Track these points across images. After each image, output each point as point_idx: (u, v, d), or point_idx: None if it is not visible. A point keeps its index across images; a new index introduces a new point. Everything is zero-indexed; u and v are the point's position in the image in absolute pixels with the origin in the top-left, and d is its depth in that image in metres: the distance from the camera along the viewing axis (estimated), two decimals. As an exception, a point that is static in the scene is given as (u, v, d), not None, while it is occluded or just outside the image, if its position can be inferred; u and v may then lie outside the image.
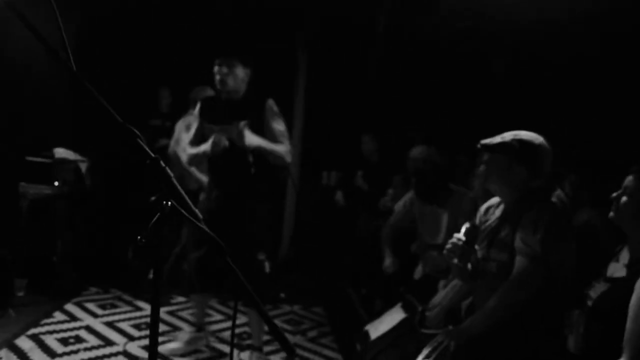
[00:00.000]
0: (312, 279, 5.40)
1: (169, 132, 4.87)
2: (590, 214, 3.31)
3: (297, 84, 6.23)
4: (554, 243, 2.10)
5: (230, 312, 4.34)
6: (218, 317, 4.23)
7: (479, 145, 2.37)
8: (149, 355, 1.19)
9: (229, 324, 4.09)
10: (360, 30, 5.99)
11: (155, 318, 1.20)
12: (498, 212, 2.40)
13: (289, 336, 3.97)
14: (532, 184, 2.24)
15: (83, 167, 4.64)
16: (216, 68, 3.13)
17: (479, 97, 5.04)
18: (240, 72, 3.14)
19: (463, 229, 2.32)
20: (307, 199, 5.97)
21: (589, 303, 2.06)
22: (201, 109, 3.36)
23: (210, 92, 4.84)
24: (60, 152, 4.53)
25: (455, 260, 2.32)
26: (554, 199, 2.16)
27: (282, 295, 4.79)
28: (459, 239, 2.30)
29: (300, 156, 6.31)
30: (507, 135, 2.30)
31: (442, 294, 2.79)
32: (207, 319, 4.12)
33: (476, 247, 2.39)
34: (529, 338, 2.18)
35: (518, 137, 2.27)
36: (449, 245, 2.35)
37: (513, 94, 4.75)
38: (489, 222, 2.41)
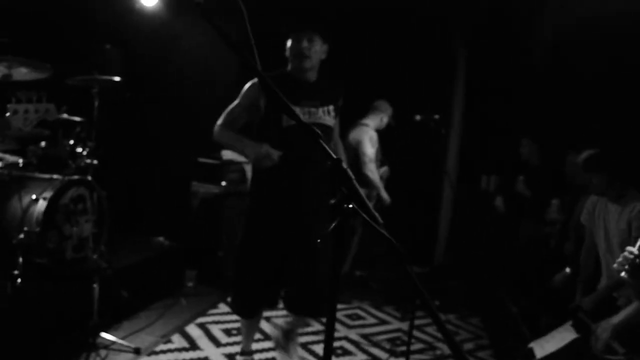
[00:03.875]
0: (469, 288, 5.18)
1: None
2: None
3: (456, 83, 6.04)
4: None
5: (382, 316, 4.30)
6: (371, 320, 4.20)
7: None
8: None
9: (381, 328, 4.06)
10: (524, 23, 5.60)
11: (331, 323, 1.19)
12: None
13: (442, 346, 3.82)
14: None
15: (248, 168, 4.90)
16: (292, 43, 2.67)
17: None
18: (320, 48, 2.69)
19: (638, 243, 2.07)
20: (465, 203, 5.74)
21: None
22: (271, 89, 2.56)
23: (389, 109, 4.86)
24: (227, 154, 4.82)
25: (624, 275, 2.09)
26: None
27: (436, 302, 4.64)
28: (631, 252, 2.07)
29: (458, 158, 6.11)
30: None
31: None
32: (359, 322, 4.13)
33: None
34: None
35: None
36: (620, 259, 2.14)
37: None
38: None
